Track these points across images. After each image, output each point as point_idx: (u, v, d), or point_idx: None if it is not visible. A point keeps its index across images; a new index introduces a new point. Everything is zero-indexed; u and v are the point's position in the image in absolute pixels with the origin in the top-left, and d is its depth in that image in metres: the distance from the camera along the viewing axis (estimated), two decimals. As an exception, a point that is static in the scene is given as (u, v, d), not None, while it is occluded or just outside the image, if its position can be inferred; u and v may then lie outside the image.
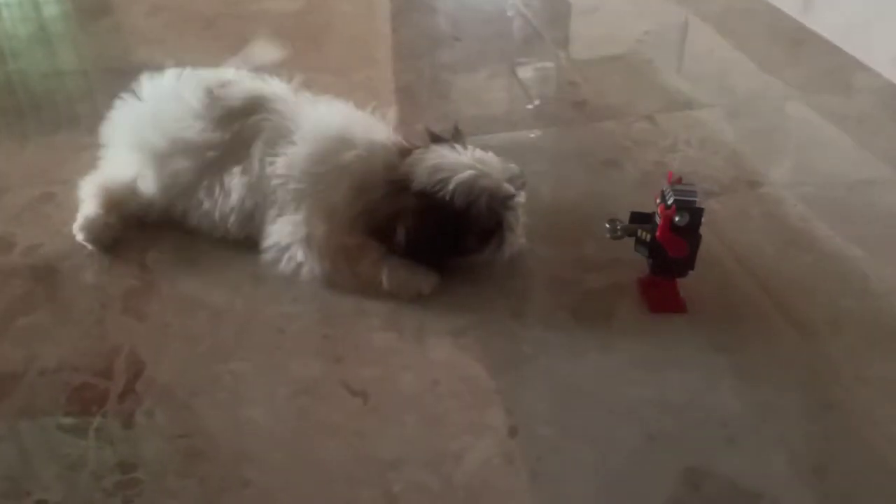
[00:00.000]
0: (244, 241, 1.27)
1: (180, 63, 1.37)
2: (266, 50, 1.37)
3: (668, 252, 1.14)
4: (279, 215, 1.23)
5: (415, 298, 1.20)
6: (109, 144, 1.35)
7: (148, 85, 1.33)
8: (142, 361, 1.10)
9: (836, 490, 0.93)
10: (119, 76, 1.36)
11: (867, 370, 1.09)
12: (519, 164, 1.24)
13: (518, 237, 1.23)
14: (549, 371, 1.09)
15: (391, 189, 1.18)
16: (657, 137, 1.63)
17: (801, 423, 1.02)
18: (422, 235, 1.17)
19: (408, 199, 1.17)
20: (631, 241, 1.20)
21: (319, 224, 1.20)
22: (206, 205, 1.27)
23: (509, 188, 1.18)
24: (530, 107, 1.79)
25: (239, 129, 1.26)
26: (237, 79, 1.34)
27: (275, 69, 1.38)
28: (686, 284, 1.19)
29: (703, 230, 1.14)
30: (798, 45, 2.02)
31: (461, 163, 1.17)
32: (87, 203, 1.33)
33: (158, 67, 1.36)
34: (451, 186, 1.14)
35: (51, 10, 2.40)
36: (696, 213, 1.12)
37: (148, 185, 1.30)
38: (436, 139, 1.26)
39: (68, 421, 1.02)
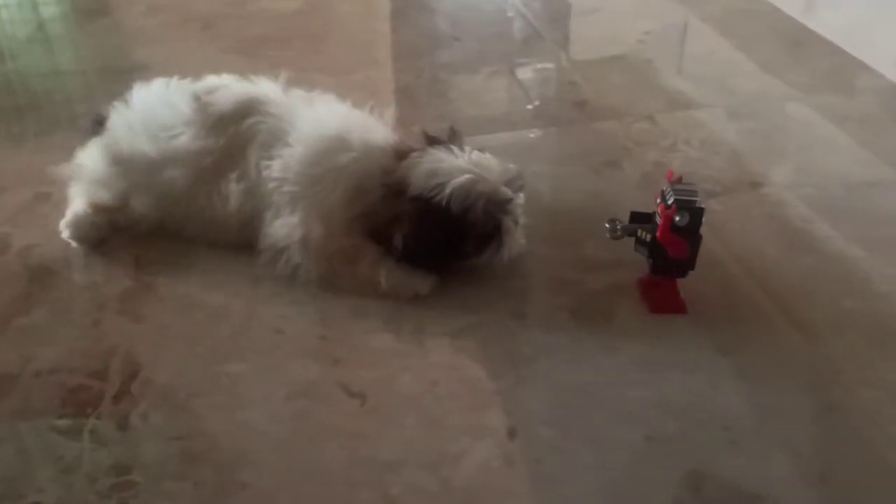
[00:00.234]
0: (240, 242, 1.26)
1: (178, 63, 1.36)
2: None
3: (668, 252, 1.13)
4: (276, 217, 1.22)
5: (413, 299, 1.19)
6: (99, 154, 1.34)
7: (137, 94, 1.32)
8: (138, 363, 1.10)
9: (839, 492, 0.92)
10: (117, 76, 1.35)
11: (869, 371, 1.08)
12: (519, 165, 1.23)
13: (517, 240, 1.22)
14: (549, 372, 1.08)
15: (388, 193, 1.18)
16: (658, 138, 1.62)
17: (803, 424, 1.01)
18: (419, 241, 1.16)
19: (404, 205, 1.16)
20: (631, 242, 1.20)
21: (316, 226, 1.19)
22: (208, 213, 1.26)
23: (506, 192, 1.17)
24: (530, 107, 1.79)
25: (233, 133, 1.25)
26: (225, 83, 1.32)
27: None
28: (687, 285, 1.18)
29: (703, 231, 1.13)
30: (799, 46, 2.02)
31: (458, 167, 1.16)
32: (77, 201, 1.32)
33: (154, 70, 1.35)
34: (447, 191, 1.13)
35: (49, 10, 2.39)
36: (696, 214, 1.11)
37: (139, 198, 1.29)
38: (433, 141, 1.24)
39: (63, 423, 1.01)
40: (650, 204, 1.18)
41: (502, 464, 0.96)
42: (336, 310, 1.18)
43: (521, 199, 1.22)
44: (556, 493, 0.93)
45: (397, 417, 1.02)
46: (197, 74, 1.36)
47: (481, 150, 1.22)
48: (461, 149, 1.20)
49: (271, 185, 1.21)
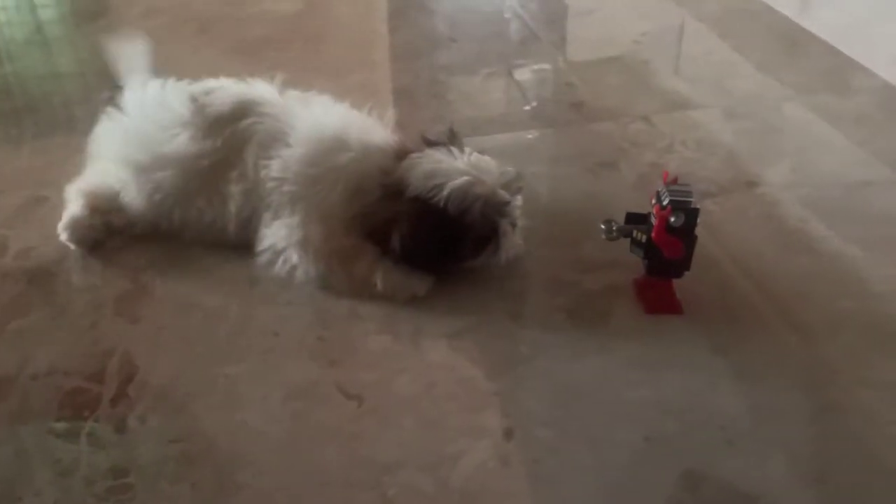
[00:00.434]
0: (239, 244, 1.26)
1: (177, 65, 1.36)
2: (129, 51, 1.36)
3: (663, 253, 1.14)
4: (274, 218, 1.22)
5: (410, 301, 1.19)
6: (96, 157, 1.34)
7: (131, 97, 1.32)
8: (135, 365, 1.10)
9: (836, 492, 0.93)
10: (113, 84, 1.35)
11: (866, 371, 1.08)
12: (516, 166, 1.23)
13: (514, 242, 1.22)
14: (547, 373, 1.09)
15: (386, 194, 1.18)
16: (654, 138, 1.62)
17: (800, 424, 1.01)
18: (417, 242, 1.16)
19: (402, 205, 1.16)
20: (627, 243, 1.20)
21: (314, 227, 1.19)
22: (207, 215, 1.26)
23: (504, 195, 1.17)
24: (528, 108, 1.79)
25: (230, 134, 1.25)
26: (221, 84, 1.32)
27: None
28: (683, 286, 1.18)
29: (699, 231, 1.13)
30: (795, 46, 2.02)
31: (456, 168, 1.16)
32: (73, 203, 1.32)
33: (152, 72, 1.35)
34: (445, 192, 1.14)
35: (47, 12, 2.40)
36: (691, 214, 1.11)
37: (135, 201, 1.29)
38: (431, 144, 1.24)
39: (60, 425, 1.02)
40: (646, 205, 1.18)
41: (500, 465, 0.96)
42: (334, 311, 1.19)
43: (519, 201, 1.22)
44: (554, 493, 0.93)
45: (395, 418, 1.02)
46: (195, 76, 1.36)
47: (480, 151, 1.22)
48: (460, 150, 1.20)
49: (270, 184, 1.21)
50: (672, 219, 1.11)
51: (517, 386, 1.07)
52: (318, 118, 1.26)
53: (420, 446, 0.98)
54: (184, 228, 1.29)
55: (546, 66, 2.01)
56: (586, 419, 1.02)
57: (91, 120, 1.36)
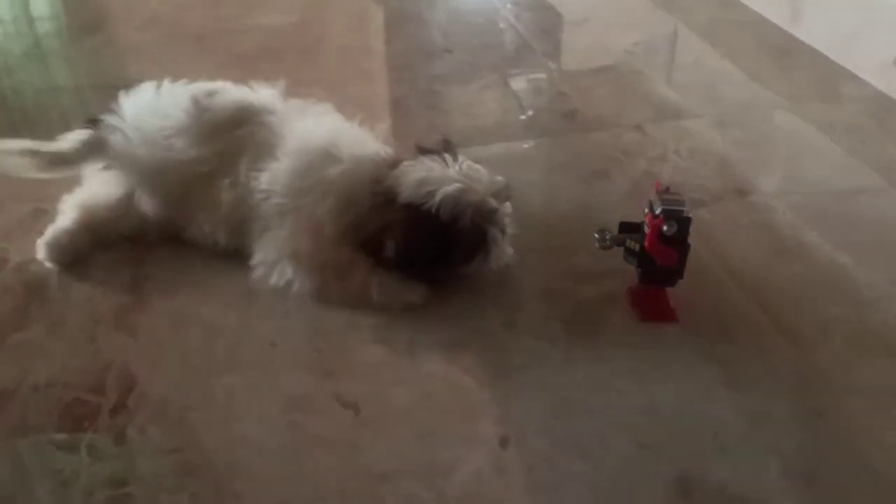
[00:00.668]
0: (235, 254, 1.28)
1: (173, 78, 1.37)
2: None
3: (656, 261, 1.15)
4: (265, 230, 1.24)
5: (405, 311, 1.20)
6: (94, 163, 1.35)
7: (130, 100, 1.33)
8: (134, 377, 1.11)
9: (827, 497, 0.94)
10: (112, 92, 1.36)
11: (857, 378, 1.09)
12: (511, 175, 1.24)
13: (504, 250, 1.23)
14: (541, 382, 1.10)
15: (378, 201, 1.19)
16: (646, 147, 1.64)
17: (792, 430, 1.02)
18: (410, 247, 1.17)
19: (395, 212, 1.17)
20: (621, 251, 1.21)
21: (305, 239, 1.20)
22: (199, 217, 1.27)
23: (493, 203, 1.19)
24: (522, 118, 1.80)
25: (227, 141, 1.26)
26: (224, 88, 1.34)
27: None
28: (676, 294, 1.19)
29: (692, 239, 1.15)
30: (786, 55, 2.04)
31: (448, 176, 1.18)
32: (63, 217, 1.32)
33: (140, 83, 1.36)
34: (437, 199, 1.15)
35: (45, 26, 2.41)
36: (684, 223, 1.12)
37: (141, 202, 1.30)
38: (425, 152, 1.25)
39: (60, 437, 1.02)
40: (640, 214, 1.19)
41: (495, 473, 0.97)
42: (330, 322, 1.20)
43: (507, 208, 1.23)
44: (549, 501, 0.94)
45: (391, 428, 1.03)
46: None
47: (475, 161, 1.23)
48: (454, 159, 1.21)
49: (258, 195, 1.23)
50: (665, 227, 1.12)
51: (512, 395, 1.08)
52: (309, 130, 1.27)
53: (416, 455, 0.99)
54: (182, 230, 1.31)
55: (540, 75, 2.02)
56: (580, 427, 1.03)
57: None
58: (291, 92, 1.37)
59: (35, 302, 1.25)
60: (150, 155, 1.27)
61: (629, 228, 1.20)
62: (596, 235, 1.21)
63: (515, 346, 1.16)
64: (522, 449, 1.00)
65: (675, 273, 1.17)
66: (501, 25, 2.28)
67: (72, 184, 1.39)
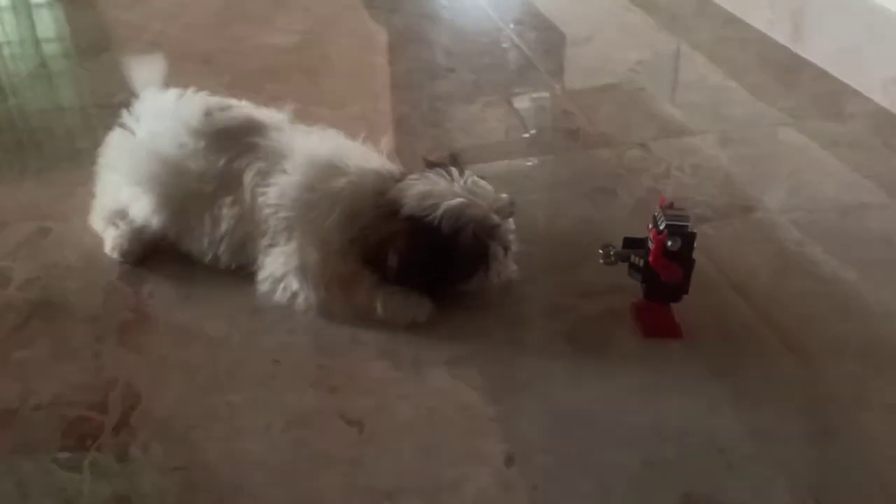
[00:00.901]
0: (237, 270, 1.28)
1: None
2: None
3: (661, 277, 1.15)
4: (271, 245, 1.24)
5: (410, 327, 1.20)
6: (106, 173, 1.37)
7: (142, 109, 1.35)
8: (137, 394, 1.10)
9: (837, 515, 0.93)
10: (117, 112, 1.38)
11: (866, 394, 1.08)
12: (515, 193, 1.24)
13: (507, 266, 1.23)
14: (547, 398, 1.09)
15: (381, 214, 1.19)
16: (651, 164, 1.64)
17: (801, 448, 1.01)
18: (413, 259, 1.17)
19: (398, 224, 1.17)
20: (625, 267, 1.21)
21: (312, 253, 1.20)
22: (197, 232, 1.28)
23: (496, 218, 1.19)
24: (526, 136, 1.81)
25: (233, 156, 1.27)
26: (236, 104, 1.36)
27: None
28: (681, 310, 1.19)
29: (697, 255, 1.14)
30: (789, 72, 2.05)
31: (451, 191, 1.18)
32: (111, 227, 1.35)
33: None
34: (439, 212, 1.15)
35: (51, 47, 2.43)
36: (688, 238, 1.12)
37: (146, 213, 1.31)
38: (433, 166, 1.25)
39: (63, 455, 1.02)
40: (644, 230, 1.19)
41: (500, 491, 0.96)
42: (334, 338, 1.19)
43: (511, 225, 1.23)
44: (555, 519, 0.93)
45: (395, 445, 1.02)
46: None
47: (481, 177, 1.23)
48: (461, 174, 1.21)
49: (266, 210, 1.23)
50: (669, 243, 1.12)
51: (517, 412, 1.07)
52: (315, 146, 1.28)
53: (420, 473, 0.98)
54: (180, 241, 1.31)
55: (543, 94, 2.03)
56: (586, 444, 1.02)
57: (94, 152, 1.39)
58: (296, 112, 1.38)
59: (38, 320, 1.25)
60: (159, 164, 1.28)
61: (633, 244, 1.20)
62: (600, 251, 1.21)
63: (520, 363, 1.15)
64: (527, 466, 0.99)
65: (679, 289, 1.16)
66: (505, 45, 2.29)
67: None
